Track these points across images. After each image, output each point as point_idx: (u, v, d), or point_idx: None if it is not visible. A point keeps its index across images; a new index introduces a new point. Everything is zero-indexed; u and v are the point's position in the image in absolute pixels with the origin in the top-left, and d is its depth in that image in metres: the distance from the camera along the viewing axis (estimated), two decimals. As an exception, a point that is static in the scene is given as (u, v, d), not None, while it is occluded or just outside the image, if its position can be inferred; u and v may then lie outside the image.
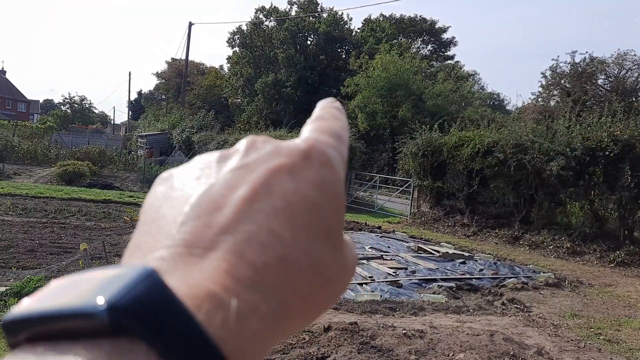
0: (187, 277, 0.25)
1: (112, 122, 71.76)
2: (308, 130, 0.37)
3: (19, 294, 5.49)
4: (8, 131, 27.25)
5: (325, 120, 0.38)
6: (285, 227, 0.29)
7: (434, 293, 7.35)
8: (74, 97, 62.23)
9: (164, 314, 0.22)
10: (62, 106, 63.26)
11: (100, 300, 0.21)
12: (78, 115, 56.81)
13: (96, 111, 69.79)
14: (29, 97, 76.69)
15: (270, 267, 0.27)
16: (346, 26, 36.62)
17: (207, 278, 0.25)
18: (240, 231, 0.27)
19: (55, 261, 7.34)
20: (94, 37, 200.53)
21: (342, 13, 36.95)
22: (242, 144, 0.34)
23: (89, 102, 67.71)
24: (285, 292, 0.27)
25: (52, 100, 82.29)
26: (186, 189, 0.31)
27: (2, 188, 13.82)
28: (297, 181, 0.31)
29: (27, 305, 0.23)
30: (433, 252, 10.27)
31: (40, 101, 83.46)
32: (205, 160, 0.34)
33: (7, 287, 5.83)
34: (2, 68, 71.79)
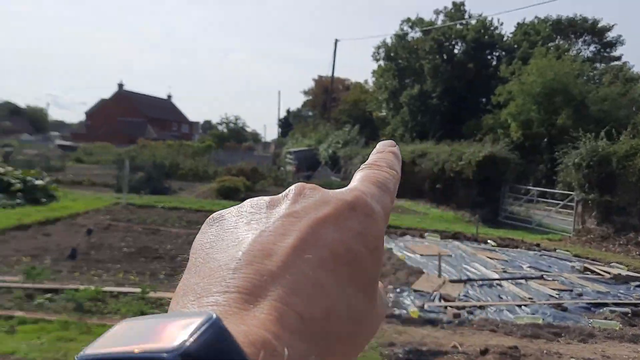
0: (242, 323, 0.26)
1: (263, 139, 75.75)
2: (357, 178, 0.39)
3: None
4: (174, 151, 29.95)
5: (377, 167, 0.41)
6: (330, 278, 0.30)
7: (605, 319, 6.61)
8: (229, 117, 66.30)
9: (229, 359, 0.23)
10: (219, 126, 67.72)
11: (174, 345, 0.22)
12: (233, 134, 60.41)
13: (249, 130, 73.83)
14: (190, 119, 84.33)
15: (316, 318, 0.28)
16: (496, 32, 34.77)
17: (260, 325, 0.26)
18: (288, 280, 0.29)
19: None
20: (246, 60, 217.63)
21: (492, 18, 35.14)
22: (291, 191, 0.36)
23: (242, 121, 71.87)
24: (327, 342, 0.29)
25: (210, 120, 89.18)
26: (237, 232, 0.33)
27: (170, 202, 15.13)
28: (342, 232, 0.33)
29: (100, 345, 0.24)
30: (602, 273, 9.24)
31: (201, 122, 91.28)
32: (255, 205, 0.36)
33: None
34: (169, 94, 79.49)
